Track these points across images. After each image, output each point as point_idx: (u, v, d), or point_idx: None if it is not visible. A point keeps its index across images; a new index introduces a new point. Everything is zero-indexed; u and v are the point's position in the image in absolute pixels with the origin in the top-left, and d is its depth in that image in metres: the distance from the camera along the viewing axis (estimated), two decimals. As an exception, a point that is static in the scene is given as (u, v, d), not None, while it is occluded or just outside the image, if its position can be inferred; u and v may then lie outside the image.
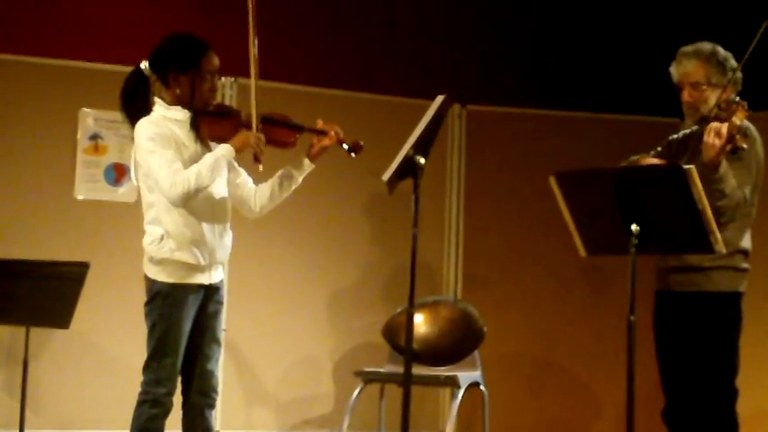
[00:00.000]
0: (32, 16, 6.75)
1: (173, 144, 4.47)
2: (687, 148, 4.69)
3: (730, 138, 4.31)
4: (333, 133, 4.66)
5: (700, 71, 4.72)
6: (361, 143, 4.68)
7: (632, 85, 7.63)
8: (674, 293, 4.73)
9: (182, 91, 4.53)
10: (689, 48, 4.80)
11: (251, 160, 4.54)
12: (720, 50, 4.75)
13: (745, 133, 4.41)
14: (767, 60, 7.01)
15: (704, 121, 4.57)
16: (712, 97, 4.68)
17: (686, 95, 4.75)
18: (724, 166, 4.41)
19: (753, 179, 4.62)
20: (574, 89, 7.79)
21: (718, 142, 4.33)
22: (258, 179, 4.74)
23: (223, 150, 4.49)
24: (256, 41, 4.61)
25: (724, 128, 4.33)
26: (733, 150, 4.36)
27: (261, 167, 4.57)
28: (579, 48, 7.86)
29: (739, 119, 4.39)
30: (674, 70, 4.81)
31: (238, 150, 4.52)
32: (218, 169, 4.49)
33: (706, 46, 4.77)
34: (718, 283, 4.65)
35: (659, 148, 4.86)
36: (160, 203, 4.48)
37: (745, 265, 4.71)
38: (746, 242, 4.70)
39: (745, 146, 4.36)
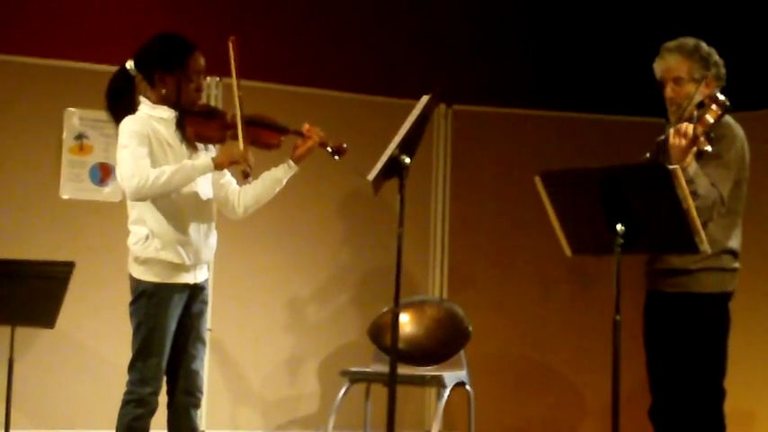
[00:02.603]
0: (16, 15, 6.74)
1: (151, 144, 4.45)
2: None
3: (694, 139, 4.25)
4: (317, 136, 4.67)
5: (682, 66, 4.68)
6: (345, 146, 4.68)
7: (619, 85, 7.64)
8: (664, 294, 4.72)
9: (167, 91, 4.53)
10: (672, 43, 4.75)
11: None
12: (704, 45, 4.71)
13: (709, 135, 4.33)
14: (760, 60, 7.11)
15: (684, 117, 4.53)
16: (695, 92, 4.66)
17: (669, 91, 4.71)
18: (693, 166, 4.36)
19: (732, 178, 4.58)
20: (560, 89, 7.80)
21: (684, 142, 4.28)
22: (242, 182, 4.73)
23: (201, 164, 4.47)
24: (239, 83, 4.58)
25: (690, 128, 4.28)
26: (697, 154, 4.29)
27: (251, 180, 4.57)
28: (566, 48, 7.87)
29: (712, 116, 4.29)
30: (657, 66, 4.76)
31: (218, 167, 4.49)
32: (189, 178, 4.45)
33: (689, 41, 4.73)
34: (705, 284, 4.63)
35: (648, 154, 4.86)
36: (143, 203, 4.47)
37: (735, 265, 4.68)
38: (734, 242, 4.67)
39: (708, 148, 4.26)
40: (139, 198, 4.43)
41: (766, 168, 5.60)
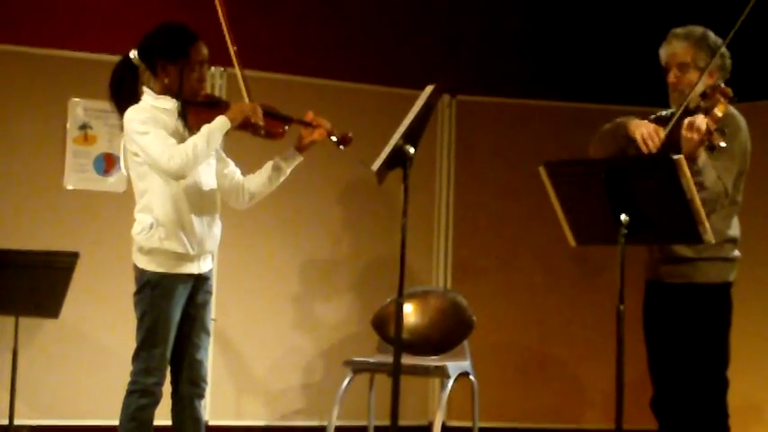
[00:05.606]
0: (20, 5, 6.73)
1: (164, 127, 4.46)
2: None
3: (708, 133, 4.25)
4: (322, 126, 4.66)
5: (688, 52, 4.65)
6: (350, 135, 4.67)
7: (623, 76, 7.63)
8: (664, 284, 4.71)
9: (170, 80, 4.52)
10: (680, 29, 4.73)
11: (239, 150, 4.51)
12: (711, 35, 4.68)
13: (722, 131, 4.31)
14: (762, 50, 7.09)
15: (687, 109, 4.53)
16: (698, 81, 4.65)
17: (671, 76, 4.69)
18: (703, 158, 4.35)
19: (736, 169, 4.58)
20: (564, 79, 7.79)
21: (696, 136, 4.26)
22: (246, 171, 4.73)
23: (218, 123, 4.45)
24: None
25: (702, 122, 4.26)
26: (710, 148, 4.28)
27: (262, 132, 4.56)
28: (570, 38, 7.86)
29: (720, 110, 4.33)
30: (663, 51, 4.74)
31: (233, 121, 4.47)
32: (214, 141, 4.45)
33: (697, 29, 4.70)
34: (708, 274, 4.63)
35: (653, 117, 4.85)
36: (153, 190, 4.47)
37: (736, 254, 4.68)
38: (734, 230, 4.67)
39: (722, 144, 4.26)
40: (183, 176, 4.42)
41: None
